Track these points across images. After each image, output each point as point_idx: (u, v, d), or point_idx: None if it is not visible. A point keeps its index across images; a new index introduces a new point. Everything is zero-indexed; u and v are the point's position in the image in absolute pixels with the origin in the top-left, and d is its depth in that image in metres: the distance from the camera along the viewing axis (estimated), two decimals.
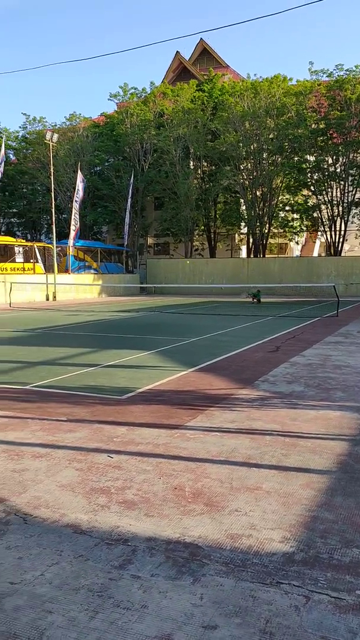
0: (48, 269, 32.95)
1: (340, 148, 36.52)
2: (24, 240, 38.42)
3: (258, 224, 39.78)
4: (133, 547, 3.13)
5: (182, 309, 23.12)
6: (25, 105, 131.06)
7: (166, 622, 2.45)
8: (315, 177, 38.54)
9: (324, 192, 38.00)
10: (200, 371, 8.69)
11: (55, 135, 32.87)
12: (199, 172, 42.48)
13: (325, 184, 37.88)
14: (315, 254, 51.13)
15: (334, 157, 37.26)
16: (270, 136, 37.75)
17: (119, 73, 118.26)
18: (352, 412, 6.12)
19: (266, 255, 41.52)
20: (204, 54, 50.48)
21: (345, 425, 5.60)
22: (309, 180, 38.74)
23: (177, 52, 49.22)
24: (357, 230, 37.33)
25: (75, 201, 34.24)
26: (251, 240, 41.69)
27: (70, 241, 34.04)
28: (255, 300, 26.88)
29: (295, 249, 50.08)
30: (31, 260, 32.99)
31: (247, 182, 39.58)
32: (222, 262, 40.89)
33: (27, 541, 3.22)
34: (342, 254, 39.50)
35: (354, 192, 37.41)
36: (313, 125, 36.91)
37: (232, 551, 3.07)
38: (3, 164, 31.59)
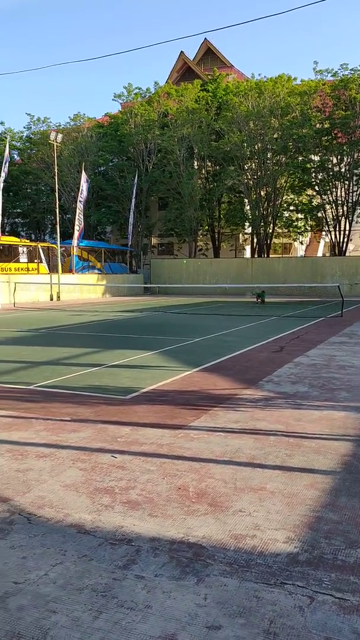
0: (52, 269, 33.01)
1: (344, 148, 36.44)
2: (28, 241, 38.55)
3: (262, 224, 39.73)
4: (137, 547, 3.13)
5: (186, 309, 23.11)
6: (29, 106, 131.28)
7: (170, 622, 2.44)
8: (319, 177, 38.47)
9: (329, 192, 37.93)
10: (204, 371, 8.68)
11: (60, 136, 32.94)
12: (203, 172, 42.47)
13: (330, 184, 37.81)
14: (320, 254, 51.02)
15: (339, 157, 37.19)
16: (275, 136, 37.70)
17: (123, 73, 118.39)
18: (357, 412, 6.10)
19: (270, 255, 41.47)
20: (208, 54, 50.46)
21: (350, 425, 5.58)
22: (313, 180, 38.67)
23: (182, 52, 49.24)
24: None
25: (80, 201, 34.29)
26: (255, 240, 41.65)
27: (74, 241, 34.07)
28: (259, 300, 26.86)
29: (300, 249, 50.01)
30: (35, 261, 33.07)
31: (251, 182, 39.54)
32: (226, 262, 40.87)
33: (31, 541, 3.22)
34: (347, 254, 39.43)
35: (358, 192, 37.32)
36: (317, 125, 36.86)
37: (236, 551, 3.07)
38: (7, 164, 31.61)
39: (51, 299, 31.20)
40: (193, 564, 2.94)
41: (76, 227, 33.76)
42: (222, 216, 43.48)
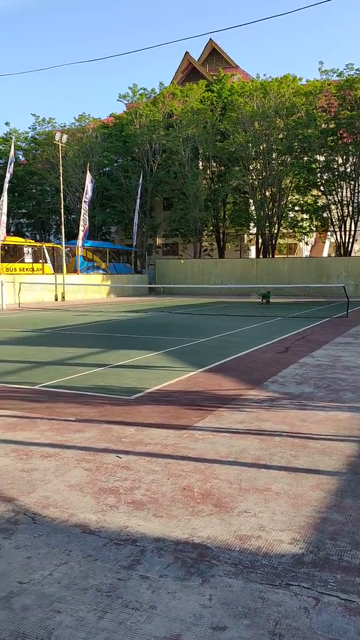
0: (57, 269, 33.07)
1: (350, 148, 36.34)
2: (33, 241, 38.59)
3: (267, 224, 39.68)
4: (142, 547, 3.13)
5: (191, 310, 23.11)
6: (34, 107, 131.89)
7: (175, 623, 2.44)
8: (325, 177, 38.40)
9: (334, 192, 37.84)
10: (209, 372, 8.67)
11: (65, 136, 32.99)
12: (208, 172, 42.45)
13: (335, 184, 37.72)
14: (325, 254, 50.92)
15: (344, 157, 37.09)
16: (280, 136, 37.64)
17: (128, 74, 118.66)
18: None
19: (275, 256, 41.40)
20: (213, 54, 50.49)
21: (355, 426, 5.56)
22: (318, 180, 38.60)
23: (187, 52, 49.29)
24: None
25: (84, 202, 34.33)
26: (260, 240, 41.60)
27: (79, 241, 34.13)
28: (264, 300, 26.82)
29: (305, 250, 49.91)
30: (40, 261, 33.13)
31: (256, 183, 39.49)
32: (231, 262, 40.83)
33: (35, 541, 3.22)
34: (352, 255, 39.31)
35: None
36: (323, 125, 36.77)
37: (241, 552, 3.06)
38: (13, 164, 31.71)
39: (56, 299, 31.26)
40: (198, 564, 2.94)
41: (81, 228, 33.81)
42: (227, 216, 43.45)
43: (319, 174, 38.44)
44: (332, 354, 10.42)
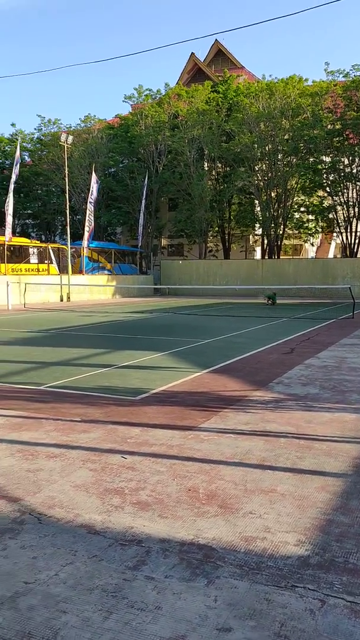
0: (62, 270, 33.15)
1: (356, 149, 36.29)
2: (39, 242, 38.71)
3: (273, 225, 39.66)
4: (147, 548, 3.13)
5: (196, 310, 23.10)
6: (40, 107, 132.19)
7: (180, 624, 2.44)
8: (330, 178, 38.34)
9: (340, 193, 37.77)
10: (214, 373, 8.67)
11: (70, 137, 33.12)
12: (214, 173, 42.48)
13: (341, 185, 37.66)
14: (331, 255, 50.82)
15: (350, 158, 37.02)
16: (286, 137, 37.63)
17: (134, 75, 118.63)
18: None
19: (281, 257, 41.36)
20: (219, 55, 50.54)
21: None
22: (324, 181, 38.54)
23: (192, 53, 49.38)
24: None
25: (90, 202, 34.41)
26: (266, 241, 41.58)
27: (85, 242, 34.21)
28: (270, 302, 26.79)
29: (310, 251, 49.83)
30: (45, 261, 33.23)
31: (261, 183, 39.48)
32: (237, 263, 40.82)
33: (41, 541, 3.23)
34: (358, 256, 39.22)
35: None
36: (329, 126, 36.73)
37: (246, 553, 3.05)
38: (18, 165, 31.80)
39: (61, 300, 31.33)
40: (203, 565, 2.93)
41: (86, 228, 33.89)
42: (232, 217, 43.44)
43: (324, 175, 38.39)
44: (338, 355, 10.39)
